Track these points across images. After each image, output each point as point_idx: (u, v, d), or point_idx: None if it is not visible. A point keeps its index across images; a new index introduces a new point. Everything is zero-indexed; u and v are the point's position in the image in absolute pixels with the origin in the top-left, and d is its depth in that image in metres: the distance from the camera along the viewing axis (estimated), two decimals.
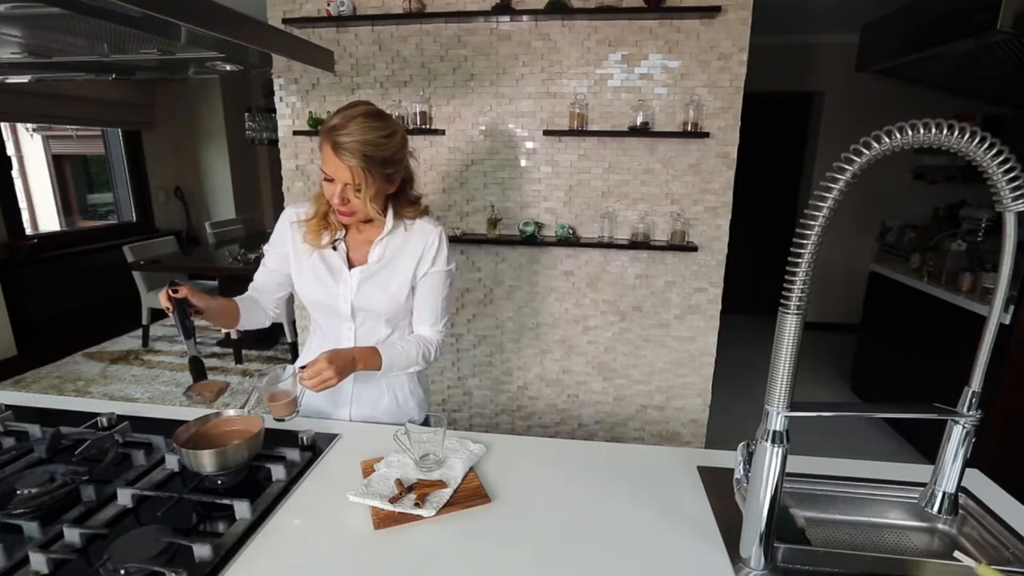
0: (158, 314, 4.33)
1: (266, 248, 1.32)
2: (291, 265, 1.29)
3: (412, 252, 1.25)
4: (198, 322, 1.16)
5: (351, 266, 1.25)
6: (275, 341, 4.28)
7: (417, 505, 0.95)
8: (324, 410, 1.35)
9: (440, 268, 1.27)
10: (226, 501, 0.93)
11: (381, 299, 1.25)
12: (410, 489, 0.99)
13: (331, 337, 1.29)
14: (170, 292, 1.10)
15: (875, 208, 4.51)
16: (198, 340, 1.16)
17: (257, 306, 1.31)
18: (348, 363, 1.15)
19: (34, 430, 1.16)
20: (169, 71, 1.39)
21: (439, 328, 1.31)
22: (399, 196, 1.23)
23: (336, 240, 1.25)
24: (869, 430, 3.15)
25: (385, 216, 1.21)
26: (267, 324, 1.36)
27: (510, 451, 1.17)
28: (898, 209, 4.47)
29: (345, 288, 1.24)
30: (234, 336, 3.87)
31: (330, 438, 1.20)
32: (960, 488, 0.81)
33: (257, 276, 1.34)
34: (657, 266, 2.54)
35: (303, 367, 1.12)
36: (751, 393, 3.43)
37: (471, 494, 1.01)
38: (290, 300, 1.39)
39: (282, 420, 1.15)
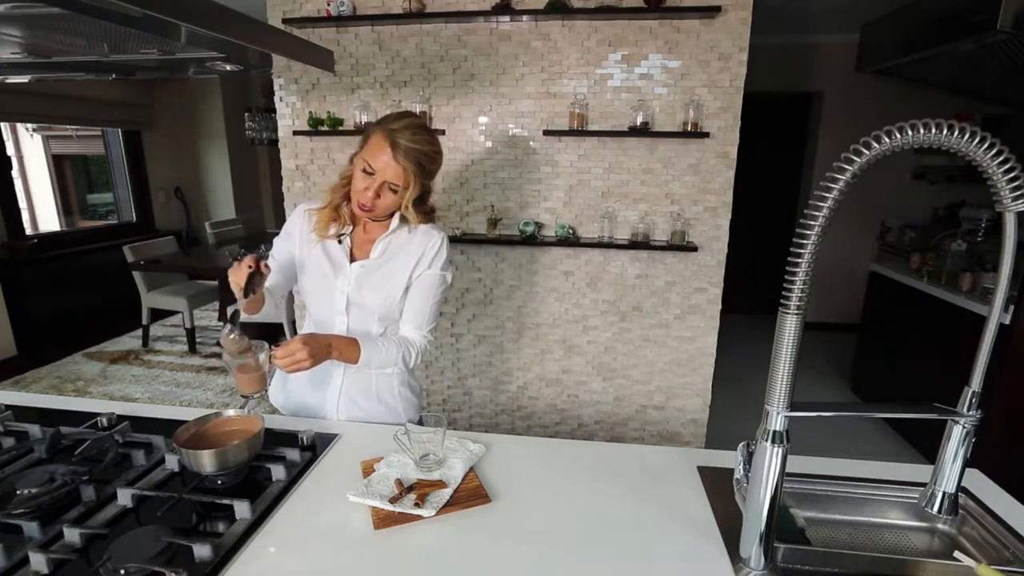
0: (158, 314, 4.33)
1: (276, 240, 1.33)
2: (296, 253, 1.30)
3: (412, 252, 1.27)
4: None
5: (353, 260, 1.27)
6: (275, 341, 4.28)
7: (417, 505, 0.95)
8: (310, 404, 1.35)
9: (436, 271, 1.28)
10: (226, 501, 0.93)
11: (377, 295, 1.26)
12: (410, 489, 0.99)
13: (323, 329, 1.30)
14: (262, 265, 1.11)
15: (875, 208, 4.51)
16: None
17: (272, 297, 1.32)
18: (323, 348, 1.16)
19: (34, 430, 1.16)
20: (169, 71, 1.40)
21: (424, 332, 1.32)
22: (416, 204, 1.25)
23: (342, 234, 1.27)
24: (869, 430, 3.15)
25: (393, 218, 1.26)
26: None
27: (510, 451, 1.17)
28: (898, 209, 4.47)
29: (343, 281, 1.26)
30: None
31: (330, 438, 1.20)
32: (960, 488, 0.81)
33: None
34: (657, 266, 2.54)
35: (277, 346, 1.11)
36: (751, 393, 3.42)
37: (471, 494, 1.01)
38: (289, 300, 1.41)
39: (248, 397, 1.14)
